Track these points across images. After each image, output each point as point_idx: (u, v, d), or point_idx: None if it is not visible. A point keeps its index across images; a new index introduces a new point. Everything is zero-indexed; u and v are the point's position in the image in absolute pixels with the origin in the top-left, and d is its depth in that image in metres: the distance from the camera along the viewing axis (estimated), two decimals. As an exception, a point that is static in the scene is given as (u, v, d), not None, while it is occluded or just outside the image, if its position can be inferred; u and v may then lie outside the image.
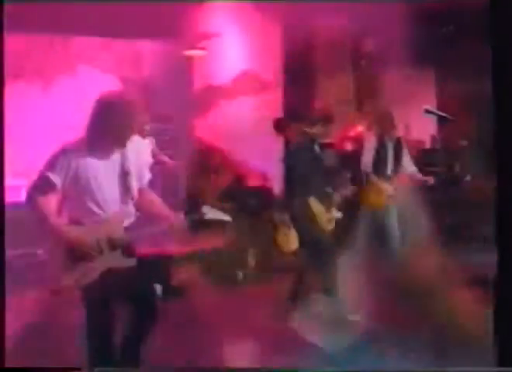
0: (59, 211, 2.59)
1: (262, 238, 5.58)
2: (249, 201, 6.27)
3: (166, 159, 5.48)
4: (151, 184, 2.83)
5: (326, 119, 3.94)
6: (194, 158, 7.49)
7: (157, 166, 4.22)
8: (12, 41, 6.49)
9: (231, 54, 7.54)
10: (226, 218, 2.75)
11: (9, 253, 4.60)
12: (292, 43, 7.22)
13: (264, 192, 6.05)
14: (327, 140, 6.07)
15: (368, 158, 4.90)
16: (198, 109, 7.58)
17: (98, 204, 2.55)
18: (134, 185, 2.65)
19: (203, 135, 7.63)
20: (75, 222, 2.57)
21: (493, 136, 1.70)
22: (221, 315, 4.14)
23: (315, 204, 3.84)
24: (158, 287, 4.31)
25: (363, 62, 7.74)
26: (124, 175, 2.59)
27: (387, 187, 4.73)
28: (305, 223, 3.84)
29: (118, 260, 2.58)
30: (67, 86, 6.77)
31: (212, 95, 7.54)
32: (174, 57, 7.17)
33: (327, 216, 3.87)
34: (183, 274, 5.04)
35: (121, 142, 2.53)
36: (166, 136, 6.91)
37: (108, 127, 2.47)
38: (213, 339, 3.66)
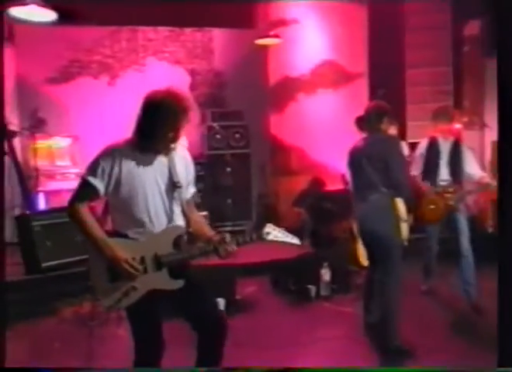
0: (102, 221, 2.60)
1: (339, 249, 5.43)
2: (327, 208, 6.17)
3: None
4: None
5: (382, 114, 3.68)
6: (268, 158, 7.55)
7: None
8: (78, 34, 7.09)
9: (310, 42, 7.44)
10: (294, 241, 2.60)
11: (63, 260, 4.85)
12: (380, 29, 7.03)
13: (344, 197, 5.88)
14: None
15: (417, 164, 4.56)
16: (273, 104, 7.55)
17: (144, 215, 2.51)
18: (184, 196, 2.62)
19: (279, 132, 7.63)
20: (119, 234, 2.53)
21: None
22: (290, 334, 4.04)
23: (401, 206, 3.57)
24: (221, 302, 4.29)
25: (466, 48, 7.39)
26: (173, 184, 2.56)
27: (440, 198, 4.39)
28: (385, 228, 3.57)
29: (163, 282, 2.52)
30: (134, 80, 6.97)
31: (288, 88, 7.49)
32: (247, 47, 7.19)
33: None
34: (249, 288, 4.97)
35: (168, 144, 2.51)
36: (237, 133, 7.00)
37: (154, 126, 2.44)
38: (280, 358, 3.54)
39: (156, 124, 2.43)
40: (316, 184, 6.67)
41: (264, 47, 7.33)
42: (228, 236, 2.52)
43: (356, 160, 3.80)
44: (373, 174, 3.61)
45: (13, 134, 5.68)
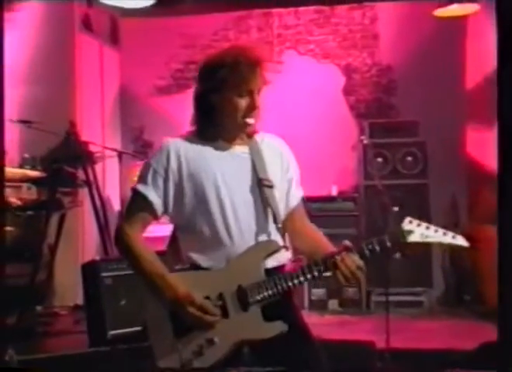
0: (172, 257, 2.62)
1: None
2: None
3: None
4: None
5: None
6: (462, 194, 7.12)
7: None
8: (193, 25, 7.14)
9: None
10: (458, 241, 2.40)
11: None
12: None
13: None
14: None
15: None
16: (472, 111, 6.91)
17: (221, 229, 2.46)
18: (278, 203, 2.54)
19: (483, 155, 6.91)
20: (191, 266, 2.51)
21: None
22: None
23: None
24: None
25: None
26: (259, 183, 2.50)
27: None
28: None
29: (254, 328, 2.40)
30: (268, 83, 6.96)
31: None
32: (430, 25, 6.71)
33: None
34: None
35: (241, 119, 2.46)
36: (409, 156, 6.65)
37: (216, 92, 2.44)
38: None
39: (217, 88, 2.40)
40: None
41: (457, 22, 6.69)
42: (348, 244, 2.40)
43: None
44: None
45: (92, 158, 5.80)
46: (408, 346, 4.77)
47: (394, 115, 7.11)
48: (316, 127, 6.88)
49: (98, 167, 6.11)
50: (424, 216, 6.32)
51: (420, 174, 6.64)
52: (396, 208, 6.35)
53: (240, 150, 2.51)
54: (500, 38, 2.18)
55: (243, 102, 2.40)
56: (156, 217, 2.47)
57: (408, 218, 2.41)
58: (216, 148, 2.48)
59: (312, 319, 6.08)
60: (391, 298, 5.61)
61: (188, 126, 6.32)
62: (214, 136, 2.48)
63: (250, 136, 2.52)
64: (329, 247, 2.51)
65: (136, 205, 2.47)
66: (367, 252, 2.37)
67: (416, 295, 6.45)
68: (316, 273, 2.37)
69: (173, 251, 2.67)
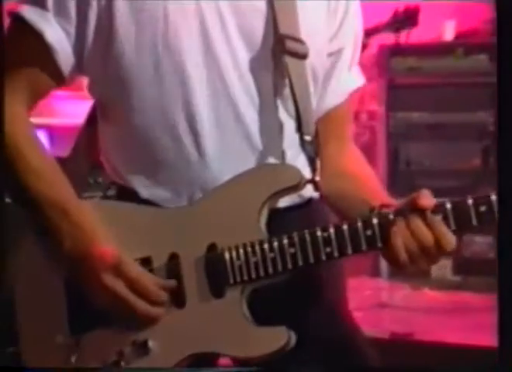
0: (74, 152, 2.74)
1: None
2: None
3: None
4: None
5: None
6: None
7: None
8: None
9: None
10: None
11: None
12: None
13: None
14: None
15: None
16: None
17: (182, 127, 1.94)
18: (311, 93, 2.03)
19: None
20: (124, 192, 2.02)
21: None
22: None
23: None
24: None
25: None
26: (279, 47, 1.95)
27: None
28: None
29: (243, 335, 1.85)
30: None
31: None
32: None
33: None
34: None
35: None
36: None
37: None
38: None
39: None
40: None
41: None
42: (428, 199, 1.79)
43: None
44: None
45: None
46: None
47: None
48: None
49: None
50: None
51: None
52: None
53: None
54: (500, 36, 2.20)
55: None
56: (58, 77, 1.86)
57: None
58: None
59: (395, 297, 5.04)
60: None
61: None
62: None
63: None
64: (382, 194, 2.04)
65: (20, 49, 1.87)
66: (474, 220, 1.65)
67: None
68: (363, 245, 1.72)
69: (84, 156, 2.38)
